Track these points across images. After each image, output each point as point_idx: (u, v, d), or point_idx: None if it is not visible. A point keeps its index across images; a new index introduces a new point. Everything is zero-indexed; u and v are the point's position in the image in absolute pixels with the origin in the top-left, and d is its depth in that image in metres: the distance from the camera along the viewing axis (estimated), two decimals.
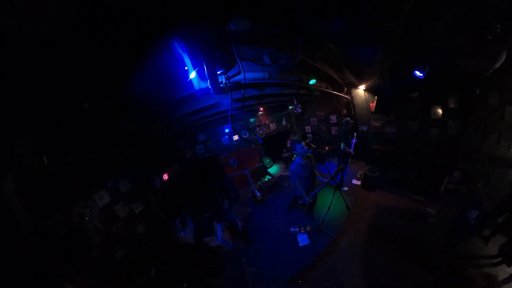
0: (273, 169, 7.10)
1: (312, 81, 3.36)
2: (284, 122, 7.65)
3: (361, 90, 4.76)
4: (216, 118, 4.87)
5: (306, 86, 3.55)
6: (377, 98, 4.48)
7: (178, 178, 4.78)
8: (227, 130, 6.03)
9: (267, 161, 7.16)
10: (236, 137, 6.20)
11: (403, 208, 3.72)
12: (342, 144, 4.18)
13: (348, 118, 4.26)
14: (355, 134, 4.68)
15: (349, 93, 5.00)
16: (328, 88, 4.47)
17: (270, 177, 6.19)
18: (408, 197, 3.96)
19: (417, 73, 3.00)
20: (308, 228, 3.49)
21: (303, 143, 2.86)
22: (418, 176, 4.02)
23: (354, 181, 4.64)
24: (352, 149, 4.47)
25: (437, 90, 3.37)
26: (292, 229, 3.57)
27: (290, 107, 6.88)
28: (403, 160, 4.19)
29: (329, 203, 3.20)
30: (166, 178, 4.30)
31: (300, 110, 5.37)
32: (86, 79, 1.58)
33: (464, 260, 2.51)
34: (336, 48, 2.60)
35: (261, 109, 6.02)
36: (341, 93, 4.83)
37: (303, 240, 3.34)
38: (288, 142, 6.71)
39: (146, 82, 1.83)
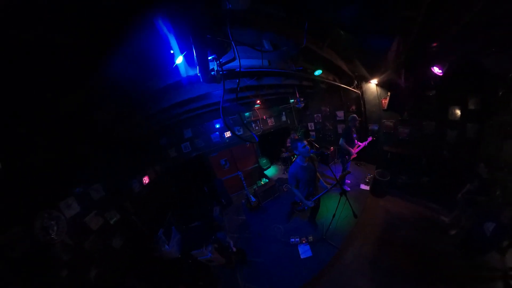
0: (271, 171, 7.11)
1: (318, 72, 3.35)
2: (284, 118, 7.66)
3: (372, 85, 4.79)
4: (205, 111, 4.83)
5: (310, 78, 3.54)
6: (391, 94, 4.50)
7: (160, 181, 4.72)
8: (217, 126, 5.98)
9: (263, 162, 7.16)
10: (228, 134, 6.16)
11: (415, 216, 3.82)
12: (341, 139, 4.35)
13: (355, 115, 4.32)
14: (369, 139, 4.70)
15: (359, 87, 5.03)
16: (335, 81, 4.47)
17: (267, 180, 6.22)
18: (421, 204, 4.06)
19: (436, 69, 3.05)
20: (311, 238, 3.50)
21: (305, 142, 2.83)
22: (432, 182, 4.12)
23: (363, 186, 4.71)
24: (355, 149, 4.54)
25: (456, 90, 3.41)
26: (293, 240, 3.55)
27: (292, 100, 6.89)
28: (416, 164, 4.29)
29: (334, 210, 3.20)
30: (147, 182, 4.24)
31: (302, 105, 5.39)
32: (46, 62, 1.45)
33: (480, 274, 2.59)
34: (347, 35, 2.56)
35: (258, 102, 5.97)
36: (350, 87, 4.85)
37: (305, 252, 3.33)
38: (288, 140, 6.73)
39: (124, 67, 1.74)
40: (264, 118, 7.00)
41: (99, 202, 2.99)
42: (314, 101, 6.88)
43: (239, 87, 2.92)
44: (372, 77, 4.37)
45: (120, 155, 3.66)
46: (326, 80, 4.04)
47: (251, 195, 4.92)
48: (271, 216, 4.47)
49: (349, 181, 4.94)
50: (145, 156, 4.51)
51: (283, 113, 7.60)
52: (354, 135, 4.44)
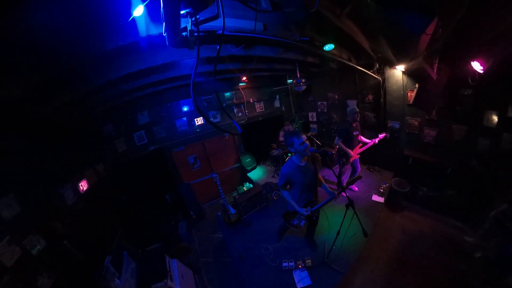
0: (256, 174, 7.16)
1: (330, 47, 3.36)
2: (277, 103, 7.66)
3: (398, 72, 4.96)
4: (170, 88, 4.72)
5: (318, 53, 3.53)
6: (419, 86, 4.70)
7: (104, 187, 4.58)
8: (185, 109, 5.86)
9: (247, 161, 7.22)
10: (200, 121, 6.07)
11: (436, 235, 4.18)
12: (336, 138, 4.65)
13: (355, 107, 4.54)
14: (381, 136, 4.91)
15: (381, 72, 5.20)
16: (350, 61, 4.53)
17: (251, 186, 6.23)
18: (443, 222, 4.45)
19: (476, 65, 3.24)
20: (309, 262, 3.56)
21: (303, 137, 2.81)
22: (457, 196, 4.50)
23: (375, 198, 4.94)
24: (357, 150, 4.74)
25: (496, 92, 3.64)
26: (286, 264, 3.60)
27: (290, 81, 6.91)
28: (441, 174, 4.62)
29: (339, 226, 3.30)
30: (85, 189, 4.07)
31: (304, 88, 5.39)
32: None
33: None
34: (375, 5, 2.55)
35: (244, 79, 5.92)
36: (369, 70, 4.97)
37: (302, 279, 3.37)
38: (281, 133, 6.79)
39: (50, 16, 1.58)
40: (251, 101, 6.97)
41: (12, 223, 2.74)
42: (319, 84, 6.96)
43: (220, 56, 2.87)
44: (399, 62, 4.48)
45: (43, 150, 3.40)
46: (339, 59, 4.07)
47: (229, 206, 4.91)
48: (257, 232, 4.51)
49: (356, 189, 5.19)
50: (82, 151, 4.35)
51: (277, 97, 7.59)
52: (355, 132, 4.65)
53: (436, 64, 3.95)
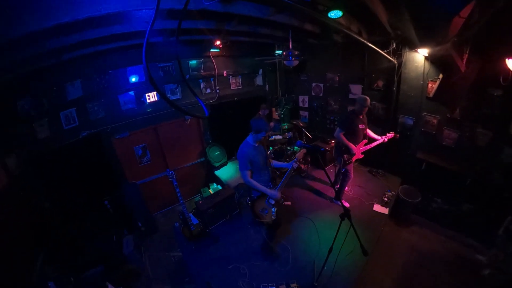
0: (227, 172, 7.25)
1: (336, 14, 3.41)
2: (259, 81, 7.70)
3: (419, 57, 5.17)
4: (114, 49, 4.55)
5: (320, 20, 3.57)
6: (443, 78, 4.91)
7: (19, 189, 4.27)
8: (134, 79, 5.67)
9: (215, 154, 7.26)
10: (153, 97, 5.94)
11: (450, 255, 4.60)
12: (337, 129, 4.90)
13: (366, 97, 4.71)
14: (389, 135, 5.16)
15: (397, 54, 5.39)
16: (361, 35, 4.64)
17: (219, 188, 6.27)
18: (458, 240, 4.90)
19: (510, 63, 3.50)
20: (295, 286, 3.64)
21: (270, 125, 3.52)
22: (475, 211, 4.96)
23: (378, 208, 5.24)
24: (361, 147, 4.98)
25: None
26: None
27: (279, 52, 6.97)
28: (459, 185, 5.01)
29: (331, 241, 3.38)
30: None
31: (296, 63, 5.45)
32: None
33: None
34: None
35: (218, 44, 5.83)
36: (383, 50, 5.12)
37: None
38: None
39: None
40: (225, 75, 6.93)
41: None
42: (317, 60, 7.10)
43: (188, 9, 2.76)
44: (423, 44, 4.64)
45: None
46: (346, 31, 4.13)
47: (190, 214, 4.85)
48: (227, 249, 4.54)
49: (349, 190, 5.50)
50: None
51: (260, 71, 7.61)
52: (361, 125, 4.86)
53: (467, 55, 4.17)
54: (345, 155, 4.85)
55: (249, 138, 3.86)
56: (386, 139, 5.04)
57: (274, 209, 3.71)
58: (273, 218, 3.81)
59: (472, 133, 4.77)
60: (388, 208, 5.14)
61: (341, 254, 3.47)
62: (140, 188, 5.58)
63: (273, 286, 3.66)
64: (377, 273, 4.37)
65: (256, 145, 3.83)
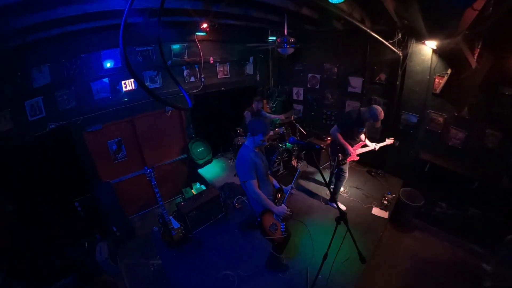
0: (212, 170, 7.30)
1: None
2: (250, 69, 7.72)
3: (427, 49, 5.25)
4: (87, 29, 4.50)
5: (320, 4, 3.63)
6: (451, 73, 5.02)
7: None
8: (109, 65, 5.57)
9: (199, 150, 7.26)
10: (129, 86, 5.86)
11: (455, 264, 4.77)
12: (335, 126, 4.98)
13: (381, 110, 4.52)
14: (389, 141, 5.27)
15: (403, 46, 5.47)
16: (364, 23, 4.71)
17: (203, 188, 6.30)
18: (464, 247, 5.08)
19: None
20: None
21: (270, 133, 3.37)
22: (481, 216, 5.15)
23: (377, 211, 5.39)
24: (357, 148, 5.07)
25: None
26: None
27: (272, 38, 7.00)
28: (465, 188, 5.17)
29: (326, 247, 3.34)
30: None
31: (291, 51, 5.47)
32: None
33: None
34: None
35: (205, 27, 5.71)
36: (387, 41, 5.18)
37: None
38: (247, 114, 6.88)
39: None
40: (212, 62, 6.89)
41: None
42: (314, 49, 7.16)
43: None
44: (431, 36, 4.71)
45: None
46: (348, 18, 4.18)
47: (171, 217, 4.87)
48: (213, 255, 4.59)
49: (345, 192, 5.63)
50: None
51: (251, 59, 7.62)
52: (361, 129, 4.95)
53: (478, 50, 4.30)
54: (339, 155, 4.92)
55: (248, 142, 3.63)
56: (377, 147, 5.14)
57: (283, 225, 3.62)
58: (283, 235, 3.73)
59: (481, 134, 4.92)
60: (388, 212, 5.29)
61: (336, 261, 3.49)
62: (114, 188, 5.52)
63: None
64: (376, 281, 4.48)
65: (256, 151, 3.63)
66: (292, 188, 3.66)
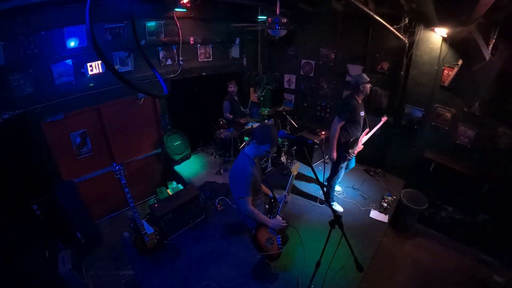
0: (190, 167, 7.35)
1: None
2: (235, 53, 7.76)
3: (436, 37, 5.37)
4: (45, 2, 4.47)
5: None
6: (462, 64, 5.11)
7: None
8: (73, 44, 5.47)
9: (175, 144, 7.28)
10: (96, 68, 5.79)
11: (461, 273, 4.95)
12: (336, 118, 5.03)
13: (364, 74, 4.86)
14: (383, 119, 5.50)
15: (409, 32, 5.57)
16: (367, 5, 4.76)
17: (180, 187, 6.33)
18: (470, 256, 5.26)
19: None
20: None
21: (275, 142, 3.39)
22: (491, 222, 5.32)
23: (375, 215, 5.49)
24: (363, 137, 5.23)
25: None
26: None
27: (263, 17, 7.01)
28: (474, 191, 5.34)
29: (319, 254, 3.38)
30: None
31: (283, 33, 5.49)
32: None
33: None
34: None
35: (185, 1, 5.73)
36: (392, 26, 5.26)
37: None
38: (226, 104, 7.06)
39: None
40: (192, 43, 6.87)
41: None
42: (309, 32, 7.22)
43: None
44: (441, 23, 4.78)
45: None
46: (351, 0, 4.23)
47: (143, 221, 4.83)
48: (191, 264, 4.58)
49: (341, 192, 5.75)
50: None
51: (237, 41, 7.64)
52: (362, 113, 5.03)
53: (493, 41, 4.40)
54: (347, 150, 4.96)
55: (249, 150, 3.55)
56: (378, 132, 5.35)
57: (279, 237, 3.67)
58: (281, 248, 3.80)
59: (493, 132, 5.05)
60: (387, 216, 5.38)
61: (331, 269, 3.50)
62: (78, 188, 5.44)
63: None
64: None
65: (255, 161, 3.62)
66: (285, 196, 3.61)
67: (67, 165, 5.72)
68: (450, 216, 5.86)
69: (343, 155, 5.06)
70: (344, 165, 5.19)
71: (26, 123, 5.15)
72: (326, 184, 5.49)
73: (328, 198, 5.40)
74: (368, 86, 4.78)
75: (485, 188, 5.20)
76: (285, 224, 3.58)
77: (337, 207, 5.47)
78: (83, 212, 5.45)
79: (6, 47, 4.76)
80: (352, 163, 5.49)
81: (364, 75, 4.80)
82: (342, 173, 5.30)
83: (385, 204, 5.56)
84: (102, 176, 6.19)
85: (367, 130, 5.19)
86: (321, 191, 5.62)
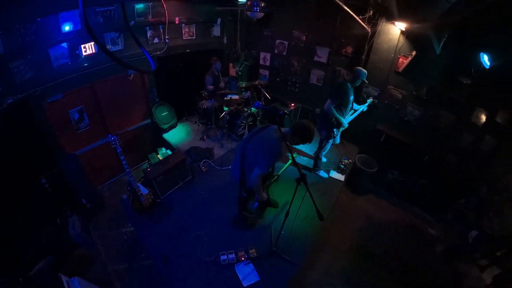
0: (177, 135, 7.51)
1: None
2: (217, 32, 7.69)
3: (395, 30, 5.66)
4: None
5: None
6: (415, 55, 5.52)
7: None
8: (68, 28, 5.26)
9: (163, 115, 7.36)
10: (89, 49, 5.68)
11: (403, 225, 5.66)
12: (328, 101, 5.14)
13: (364, 70, 5.07)
14: (370, 100, 5.86)
15: (373, 23, 5.80)
16: None
17: (169, 152, 6.47)
18: (411, 211, 6.01)
19: (484, 58, 4.15)
20: (253, 252, 4.09)
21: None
22: (429, 186, 6.01)
23: (334, 174, 6.03)
24: (348, 119, 5.55)
25: (494, 92, 4.77)
26: (225, 257, 4.04)
27: (242, 1, 6.95)
28: (416, 160, 5.95)
29: (288, 205, 3.73)
30: None
31: (261, 15, 5.52)
32: None
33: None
34: None
35: None
36: (358, 16, 5.42)
37: (247, 275, 3.85)
38: (208, 78, 7.13)
39: None
40: (177, 22, 6.75)
41: None
42: (284, 15, 7.25)
43: None
44: (401, 18, 5.08)
45: None
46: None
47: (139, 184, 4.90)
48: (182, 218, 4.84)
49: (326, 175, 6.04)
50: None
51: (218, 21, 7.54)
52: (352, 97, 5.29)
53: (445, 39, 4.75)
54: (334, 129, 5.26)
55: (286, 133, 3.61)
56: (365, 109, 5.73)
57: (256, 204, 4.11)
58: (252, 214, 4.30)
59: (436, 114, 5.60)
60: (344, 176, 5.97)
61: (297, 218, 3.94)
62: (80, 159, 5.51)
63: (232, 253, 4.06)
64: (333, 238, 5.24)
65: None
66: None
67: (68, 140, 5.70)
68: (395, 179, 6.51)
69: (322, 132, 5.40)
70: (331, 141, 5.51)
71: (28, 106, 5.09)
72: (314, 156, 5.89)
73: (315, 167, 5.88)
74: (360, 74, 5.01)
75: (426, 158, 5.89)
76: (266, 198, 4.02)
77: (337, 176, 5.95)
78: (86, 180, 5.53)
79: (4, 37, 4.58)
80: (337, 140, 5.77)
81: (364, 71, 5.07)
82: (328, 147, 5.64)
83: (343, 166, 6.08)
84: (100, 147, 6.23)
85: (354, 111, 5.53)
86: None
